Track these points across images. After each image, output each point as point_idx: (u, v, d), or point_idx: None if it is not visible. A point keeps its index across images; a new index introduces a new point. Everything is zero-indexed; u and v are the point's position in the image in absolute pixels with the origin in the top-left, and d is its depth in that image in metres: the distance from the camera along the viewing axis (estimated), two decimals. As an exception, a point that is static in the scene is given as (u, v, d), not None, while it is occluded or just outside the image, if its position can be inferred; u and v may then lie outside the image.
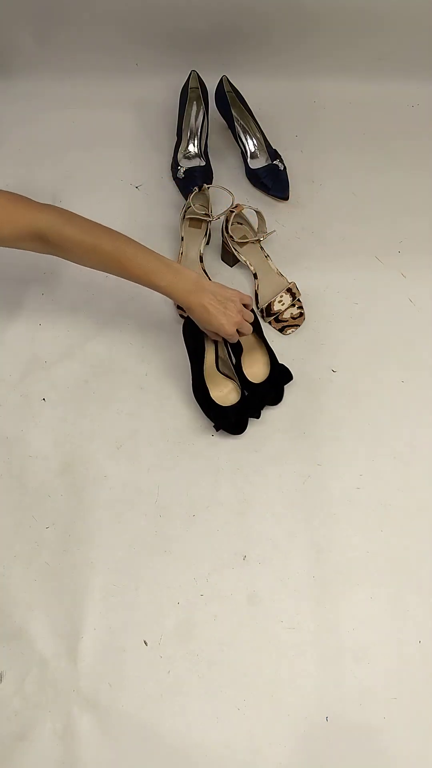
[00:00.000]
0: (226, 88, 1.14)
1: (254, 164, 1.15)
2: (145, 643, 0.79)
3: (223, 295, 0.84)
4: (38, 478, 0.88)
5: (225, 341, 0.91)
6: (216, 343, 0.93)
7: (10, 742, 0.75)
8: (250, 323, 0.87)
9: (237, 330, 0.85)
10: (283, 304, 1.00)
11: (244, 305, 0.87)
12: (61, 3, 1.13)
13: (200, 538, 0.85)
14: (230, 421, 0.89)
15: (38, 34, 1.20)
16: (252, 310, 0.89)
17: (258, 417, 0.91)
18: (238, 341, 0.89)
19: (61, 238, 0.79)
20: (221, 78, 1.14)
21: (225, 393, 0.92)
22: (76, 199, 1.09)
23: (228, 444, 0.91)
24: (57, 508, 0.86)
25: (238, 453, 0.90)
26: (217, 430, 0.90)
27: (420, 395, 0.95)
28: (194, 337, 0.90)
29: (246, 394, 0.92)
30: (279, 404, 0.93)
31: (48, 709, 0.76)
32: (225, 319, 0.83)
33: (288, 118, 1.22)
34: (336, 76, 1.25)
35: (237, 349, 0.91)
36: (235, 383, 0.93)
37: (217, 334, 0.86)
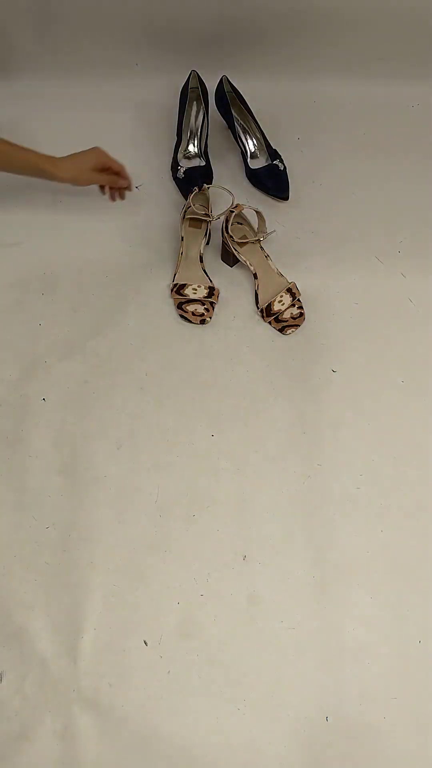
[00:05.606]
0: (226, 88, 1.14)
1: (254, 164, 1.15)
2: (145, 643, 0.79)
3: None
4: (38, 478, 0.88)
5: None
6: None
7: (10, 742, 0.75)
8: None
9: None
10: (283, 304, 1.00)
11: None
12: (60, 3, 1.13)
13: (200, 538, 0.85)
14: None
15: (38, 34, 1.19)
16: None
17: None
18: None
19: None
20: (221, 78, 1.14)
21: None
22: (75, 199, 1.09)
23: (228, 444, 0.91)
24: (57, 508, 0.86)
25: (238, 453, 0.90)
26: None
27: (420, 395, 0.95)
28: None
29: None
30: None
31: (48, 709, 0.76)
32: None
33: (288, 119, 1.22)
34: (336, 76, 1.25)
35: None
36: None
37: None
